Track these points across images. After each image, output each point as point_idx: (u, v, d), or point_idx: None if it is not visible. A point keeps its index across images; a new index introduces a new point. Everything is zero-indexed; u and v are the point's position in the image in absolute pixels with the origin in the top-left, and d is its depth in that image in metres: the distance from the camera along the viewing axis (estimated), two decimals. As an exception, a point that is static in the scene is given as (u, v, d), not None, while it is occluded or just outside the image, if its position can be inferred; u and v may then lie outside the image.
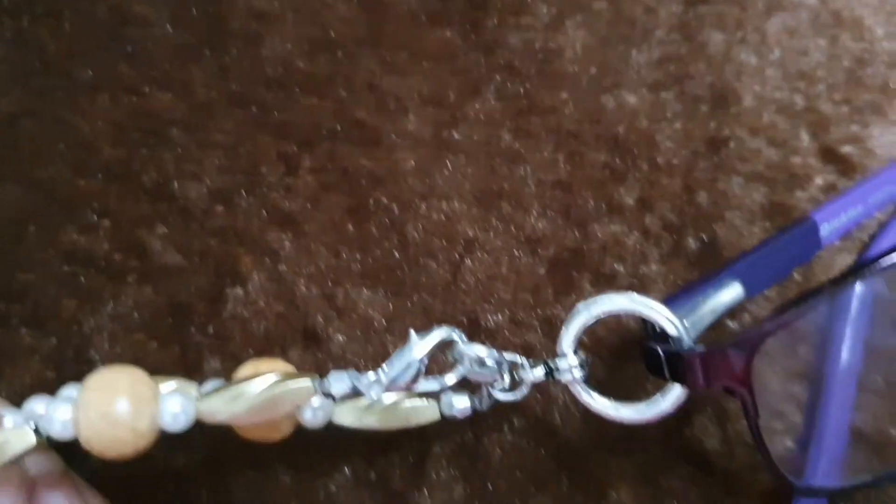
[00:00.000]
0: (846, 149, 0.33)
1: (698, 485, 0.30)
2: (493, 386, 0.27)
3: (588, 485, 0.30)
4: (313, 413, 0.27)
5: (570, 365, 0.27)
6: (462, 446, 0.30)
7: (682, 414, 0.30)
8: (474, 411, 0.28)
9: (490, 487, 0.30)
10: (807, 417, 0.30)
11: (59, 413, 0.24)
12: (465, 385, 0.27)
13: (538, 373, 0.27)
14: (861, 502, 0.30)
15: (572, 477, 0.30)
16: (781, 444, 0.30)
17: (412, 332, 0.26)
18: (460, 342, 0.26)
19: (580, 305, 0.27)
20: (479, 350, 0.27)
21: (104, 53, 0.34)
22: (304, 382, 0.25)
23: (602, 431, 0.30)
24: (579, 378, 0.27)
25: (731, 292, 0.28)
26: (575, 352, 0.27)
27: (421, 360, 0.25)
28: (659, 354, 0.26)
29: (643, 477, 0.30)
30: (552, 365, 0.27)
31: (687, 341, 0.26)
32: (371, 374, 0.25)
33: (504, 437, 0.30)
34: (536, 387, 0.29)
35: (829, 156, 0.33)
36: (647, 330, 0.28)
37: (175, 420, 0.25)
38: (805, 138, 0.33)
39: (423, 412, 0.28)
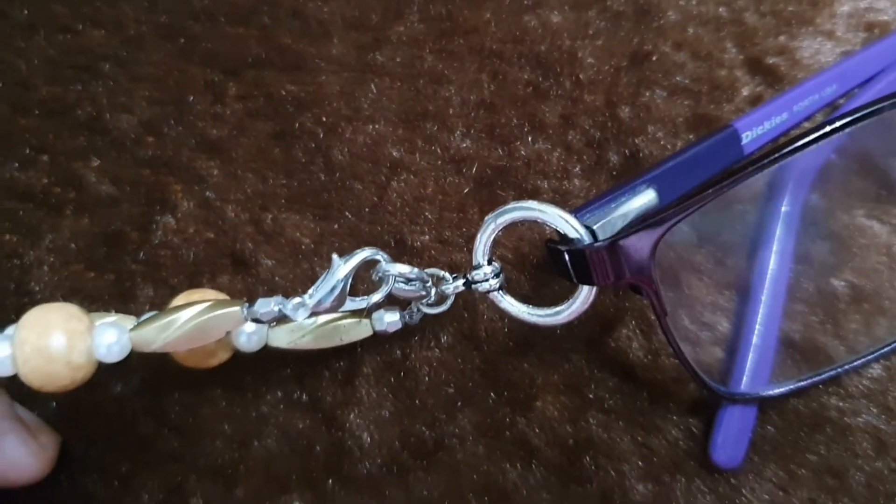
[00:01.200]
0: (773, 60, 0.31)
1: (624, 395, 0.28)
2: (420, 301, 0.27)
3: (514, 397, 0.28)
4: (248, 338, 0.26)
5: (485, 274, 0.26)
6: (390, 364, 0.29)
7: (605, 326, 0.28)
8: (405, 326, 0.27)
9: (418, 403, 0.28)
10: (735, 326, 0.29)
11: (-3, 351, 0.23)
12: (395, 302, 0.26)
13: (458, 284, 0.26)
14: (790, 412, 0.28)
15: (499, 390, 0.28)
16: (709, 353, 0.29)
17: (335, 255, 0.25)
18: (383, 261, 0.25)
19: (487, 217, 0.26)
20: (402, 268, 0.26)
21: (39, -7, 0.33)
22: (233, 309, 0.24)
23: (527, 344, 0.28)
24: (495, 286, 0.26)
25: (643, 198, 0.27)
26: (489, 262, 0.26)
27: (345, 280, 0.24)
28: (562, 254, 0.25)
29: (568, 388, 0.28)
30: (470, 277, 0.26)
31: (587, 239, 0.25)
32: (296, 298, 0.24)
33: (431, 354, 0.29)
34: (462, 302, 0.28)
35: (756, 67, 0.31)
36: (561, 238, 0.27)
37: (110, 351, 0.24)
38: (731, 50, 0.31)
39: (355, 330, 0.27)
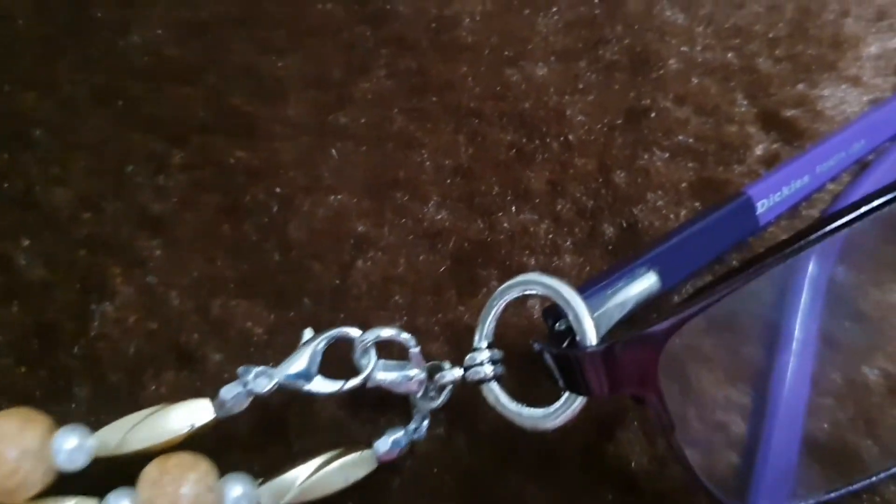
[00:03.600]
0: (790, 112, 0.27)
1: (625, 510, 0.24)
2: (418, 396, 0.23)
3: (500, 515, 0.24)
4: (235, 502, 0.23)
5: (483, 359, 0.22)
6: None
7: (603, 428, 0.24)
8: (413, 443, 0.24)
9: (388, 521, 0.24)
10: (751, 427, 0.25)
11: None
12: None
13: (456, 372, 0.23)
14: (818, 524, 0.24)
15: (481, 505, 0.24)
16: (723, 459, 0.25)
17: (306, 330, 0.23)
18: (356, 331, 0.23)
19: (496, 292, 0.22)
20: (386, 331, 0.23)
21: (-37, 52, 0.29)
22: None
23: (513, 453, 0.24)
24: (490, 375, 0.22)
25: (643, 283, 0.23)
26: (490, 346, 0.23)
27: (316, 349, 0.23)
28: (550, 358, 0.21)
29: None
30: (466, 360, 0.23)
31: (585, 341, 0.21)
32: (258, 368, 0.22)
33: (403, 464, 0.25)
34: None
35: (771, 121, 0.27)
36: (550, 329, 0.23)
37: None
38: (741, 103, 0.27)
39: (355, 465, 0.23)
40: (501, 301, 0.22)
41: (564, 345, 0.22)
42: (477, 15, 0.28)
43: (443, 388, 0.23)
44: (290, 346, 0.24)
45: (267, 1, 0.29)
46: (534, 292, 0.22)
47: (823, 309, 0.25)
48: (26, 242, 0.27)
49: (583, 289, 0.23)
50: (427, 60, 0.28)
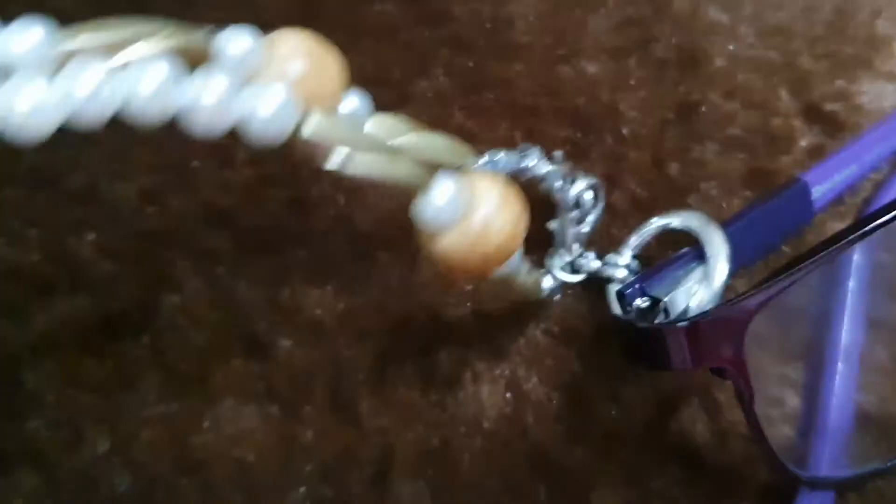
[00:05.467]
0: (831, 106, 0.29)
1: (690, 483, 0.25)
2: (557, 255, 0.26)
3: (567, 490, 0.25)
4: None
5: (624, 263, 0.25)
6: (428, 455, 0.26)
7: (665, 406, 0.25)
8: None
9: (458, 499, 0.25)
10: (806, 402, 0.26)
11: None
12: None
13: (595, 263, 0.25)
14: (872, 493, 0.25)
15: (549, 482, 0.25)
16: (780, 432, 0.26)
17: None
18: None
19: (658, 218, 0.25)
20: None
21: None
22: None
23: (581, 431, 0.25)
24: (622, 279, 0.25)
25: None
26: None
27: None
28: (634, 333, 0.22)
29: (628, 479, 0.25)
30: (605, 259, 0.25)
31: (678, 312, 0.22)
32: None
33: (473, 442, 0.25)
34: (506, 383, 0.25)
35: (814, 115, 0.29)
36: (623, 308, 0.24)
37: None
38: (785, 98, 0.29)
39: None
40: (654, 226, 0.25)
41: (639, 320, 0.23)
42: (530, 16, 0.30)
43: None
44: (359, 332, 0.25)
45: (326, 3, 0.30)
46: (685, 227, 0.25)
47: (869, 288, 0.27)
48: (91, 236, 0.28)
49: (655, 270, 0.24)
50: (483, 59, 0.29)
